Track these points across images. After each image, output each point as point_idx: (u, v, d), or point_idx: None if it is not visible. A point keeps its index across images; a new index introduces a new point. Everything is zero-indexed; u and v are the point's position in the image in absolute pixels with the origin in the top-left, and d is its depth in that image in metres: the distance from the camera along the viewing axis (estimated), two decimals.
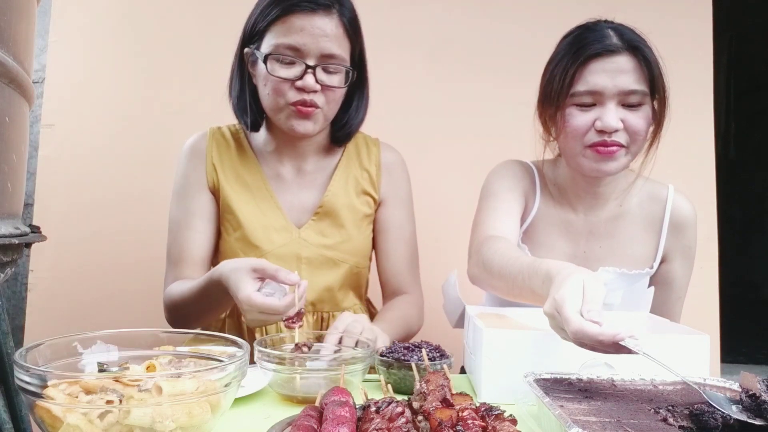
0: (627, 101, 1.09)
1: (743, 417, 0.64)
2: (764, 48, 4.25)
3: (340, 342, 0.98)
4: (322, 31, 1.10)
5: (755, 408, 0.66)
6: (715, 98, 1.93)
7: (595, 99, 1.10)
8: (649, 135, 1.15)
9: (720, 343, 1.85)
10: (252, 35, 1.16)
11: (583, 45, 1.11)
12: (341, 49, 1.13)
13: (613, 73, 1.08)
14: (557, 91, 1.12)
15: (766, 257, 4.43)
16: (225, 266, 1.01)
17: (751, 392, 0.68)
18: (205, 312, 1.16)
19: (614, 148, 1.09)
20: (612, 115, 1.08)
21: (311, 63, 1.10)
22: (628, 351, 0.73)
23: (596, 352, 0.75)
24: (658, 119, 1.15)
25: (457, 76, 1.92)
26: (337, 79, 1.14)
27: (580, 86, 1.10)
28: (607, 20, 1.15)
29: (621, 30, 1.12)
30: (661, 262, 1.25)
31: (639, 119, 1.10)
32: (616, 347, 0.73)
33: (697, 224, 1.25)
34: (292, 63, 1.11)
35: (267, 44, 1.12)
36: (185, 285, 1.14)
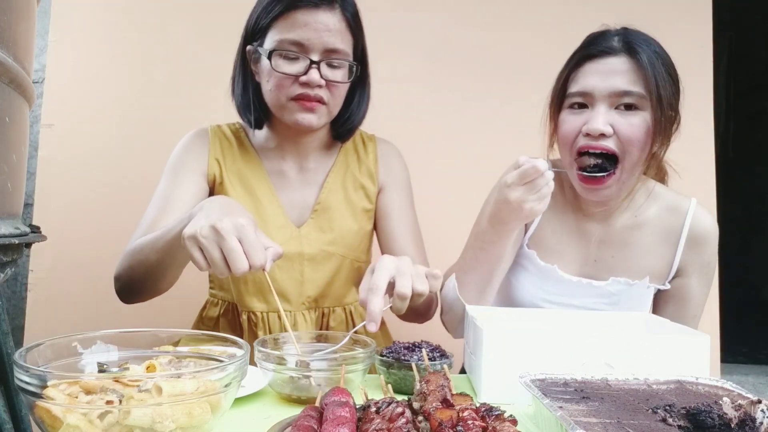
0: (620, 104, 1.04)
1: None
2: (764, 48, 4.25)
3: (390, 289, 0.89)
4: (325, 26, 1.10)
5: None
6: (715, 98, 1.93)
7: (586, 100, 1.06)
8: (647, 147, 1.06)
9: (720, 343, 1.85)
10: (254, 32, 1.16)
11: (582, 48, 1.09)
12: (344, 43, 1.13)
13: (606, 74, 1.04)
14: (554, 95, 1.11)
15: (767, 257, 4.42)
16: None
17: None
18: (168, 263, 1.03)
19: (602, 174, 1.04)
20: (600, 118, 1.02)
21: (315, 58, 1.10)
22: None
23: None
24: (659, 130, 1.04)
25: (456, 77, 1.92)
26: (340, 74, 1.14)
27: (572, 87, 1.07)
28: (620, 28, 1.11)
29: (625, 34, 1.08)
30: (676, 277, 1.19)
31: (632, 125, 1.03)
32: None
33: (717, 241, 1.19)
34: (296, 58, 1.11)
35: (270, 40, 1.12)
36: (152, 234, 1.04)
